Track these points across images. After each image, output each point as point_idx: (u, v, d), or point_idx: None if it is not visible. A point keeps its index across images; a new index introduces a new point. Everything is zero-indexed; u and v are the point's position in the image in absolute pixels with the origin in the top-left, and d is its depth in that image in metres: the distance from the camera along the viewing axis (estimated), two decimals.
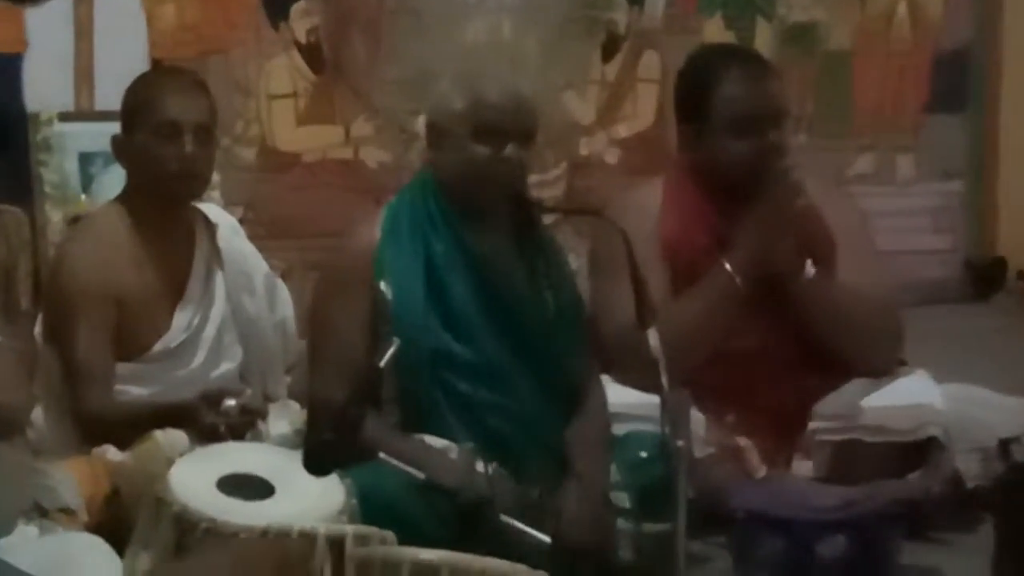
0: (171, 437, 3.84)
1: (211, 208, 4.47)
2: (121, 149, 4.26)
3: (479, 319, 3.97)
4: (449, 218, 3.99)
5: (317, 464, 3.34)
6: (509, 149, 3.96)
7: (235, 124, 5.81)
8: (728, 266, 4.36)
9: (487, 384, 3.95)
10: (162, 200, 4.21)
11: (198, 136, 4.17)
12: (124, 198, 4.27)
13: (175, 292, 4.24)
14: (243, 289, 4.37)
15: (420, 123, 4.24)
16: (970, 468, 4.36)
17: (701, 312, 4.32)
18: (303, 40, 5.95)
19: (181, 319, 4.23)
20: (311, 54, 5.96)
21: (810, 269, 4.42)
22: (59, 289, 4.20)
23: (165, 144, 4.14)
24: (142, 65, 5.43)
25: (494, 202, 3.98)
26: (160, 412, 3.97)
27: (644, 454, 4.01)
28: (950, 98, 6.99)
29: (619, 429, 4.13)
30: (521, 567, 2.90)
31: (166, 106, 4.16)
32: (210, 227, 4.34)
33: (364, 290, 3.94)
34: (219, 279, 4.32)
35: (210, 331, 4.28)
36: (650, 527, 3.91)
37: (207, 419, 3.91)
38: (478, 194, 3.97)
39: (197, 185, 4.25)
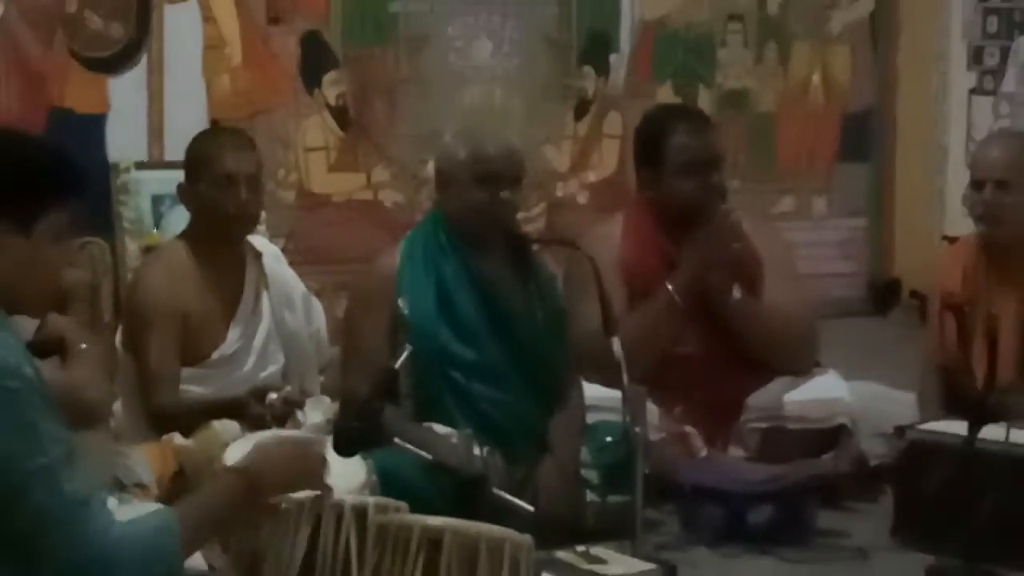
0: (225, 426, 3.82)
1: (259, 239, 4.44)
2: (185, 195, 4.23)
3: (480, 327, 3.97)
4: (456, 246, 4.00)
5: (344, 447, 3.33)
6: (504, 193, 3.96)
7: (278, 171, 5.80)
8: (670, 286, 4.37)
9: (485, 381, 3.95)
10: (220, 237, 4.19)
11: (250, 185, 4.15)
12: (187, 233, 4.25)
13: (229, 310, 4.21)
14: (285, 306, 4.34)
15: (428, 170, 4.24)
16: (872, 449, 4.36)
17: (649, 323, 4.31)
18: (333, 103, 5.95)
19: (234, 332, 4.20)
20: (339, 115, 5.96)
21: (736, 293, 4.42)
22: (135, 307, 4.18)
23: (223, 193, 4.11)
24: (203, 124, 5.44)
25: (492, 235, 3.99)
26: (216, 406, 3.96)
27: (609, 439, 3.99)
28: (856, 150, 7.01)
29: (589, 418, 4.13)
30: (510, 531, 2.89)
31: (224, 161, 4.12)
32: (257, 255, 4.31)
33: (387, 307, 3.94)
34: (265, 299, 4.28)
35: (258, 341, 4.24)
36: (614, 498, 3.90)
37: (255, 411, 3.90)
38: (479, 228, 3.97)
39: (249, 225, 4.23)
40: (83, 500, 2.46)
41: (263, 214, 4.68)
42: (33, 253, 2.53)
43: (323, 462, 2.80)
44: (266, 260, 4.33)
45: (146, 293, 4.13)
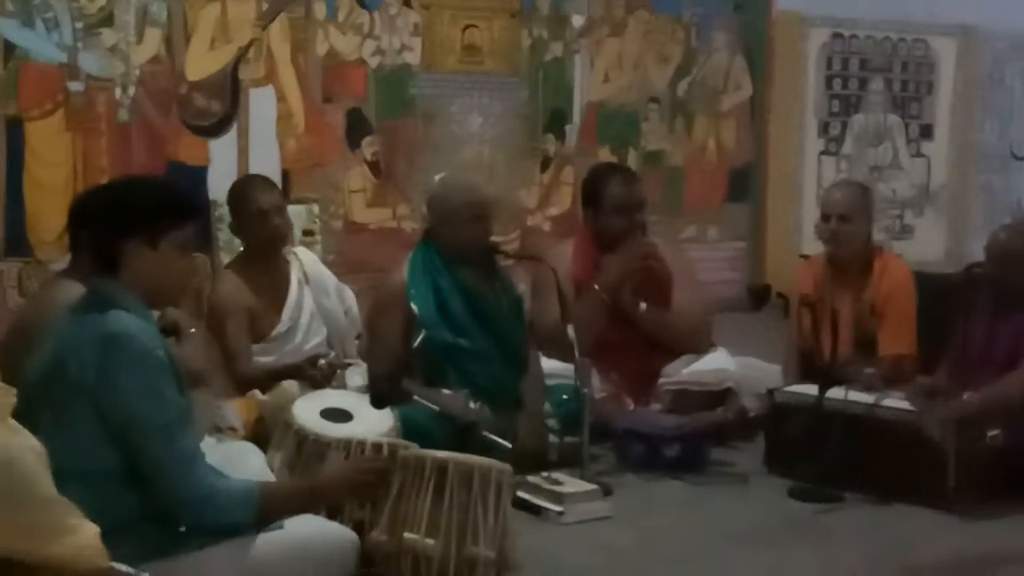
0: (291, 384, 3.81)
1: (304, 252, 4.44)
2: (234, 229, 4.26)
3: (468, 323, 3.96)
4: (446, 264, 3.98)
5: (377, 402, 3.33)
6: (486, 223, 3.95)
7: (330, 207, 5.79)
8: (596, 286, 4.36)
9: (475, 360, 3.94)
10: (266, 251, 4.19)
11: (278, 212, 4.15)
12: (243, 253, 4.25)
13: (281, 300, 4.21)
14: (322, 294, 4.32)
15: (423, 209, 4.19)
16: (751, 405, 4.37)
17: (584, 313, 4.25)
18: (369, 159, 5.93)
19: (285, 315, 4.20)
20: (373, 167, 5.94)
21: (643, 306, 4.41)
22: (214, 304, 4.19)
23: (261, 223, 4.12)
24: (277, 173, 5.43)
25: (474, 251, 3.98)
26: (281, 371, 3.95)
27: (565, 397, 4.00)
28: (739, 194, 7.02)
29: (549, 382, 4.13)
30: (495, 462, 2.89)
31: (255, 200, 4.13)
32: (299, 261, 4.32)
33: (400, 309, 3.92)
34: (307, 290, 4.27)
35: (303, 321, 4.23)
36: (569, 439, 3.91)
37: (309, 373, 3.89)
38: (466, 249, 3.96)
39: (284, 238, 4.22)
40: (190, 456, 2.47)
41: (319, 236, 4.66)
42: (160, 261, 2.54)
43: (378, 477, 2.75)
44: (306, 264, 4.33)
45: (220, 295, 4.15)
